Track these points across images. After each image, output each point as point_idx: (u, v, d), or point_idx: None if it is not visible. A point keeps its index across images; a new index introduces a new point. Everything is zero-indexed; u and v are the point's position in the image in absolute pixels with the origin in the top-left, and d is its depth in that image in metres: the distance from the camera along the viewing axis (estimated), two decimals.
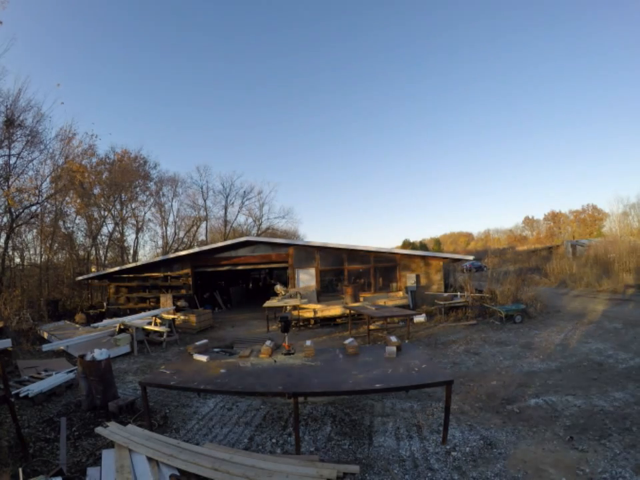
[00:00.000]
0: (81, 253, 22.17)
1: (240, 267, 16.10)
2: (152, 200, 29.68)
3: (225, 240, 23.85)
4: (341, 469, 3.20)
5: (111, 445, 3.85)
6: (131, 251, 27.45)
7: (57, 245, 19.91)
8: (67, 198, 19.55)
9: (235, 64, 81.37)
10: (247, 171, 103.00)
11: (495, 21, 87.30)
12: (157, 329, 10.15)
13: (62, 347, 9.12)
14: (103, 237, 24.59)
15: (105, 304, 16.04)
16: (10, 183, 15.45)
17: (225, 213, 36.87)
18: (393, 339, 5.47)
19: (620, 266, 18.10)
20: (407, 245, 66.42)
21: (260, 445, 4.28)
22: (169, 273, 15.53)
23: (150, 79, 69.55)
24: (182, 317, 12.34)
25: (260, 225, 37.88)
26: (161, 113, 70.41)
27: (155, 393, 5.91)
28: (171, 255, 16.28)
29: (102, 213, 24.40)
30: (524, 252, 38.68)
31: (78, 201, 20.22)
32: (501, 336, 9.32)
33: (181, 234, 32.79)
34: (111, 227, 25.27)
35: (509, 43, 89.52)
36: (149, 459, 3.40)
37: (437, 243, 73.92)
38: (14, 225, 15.78)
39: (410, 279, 14.04)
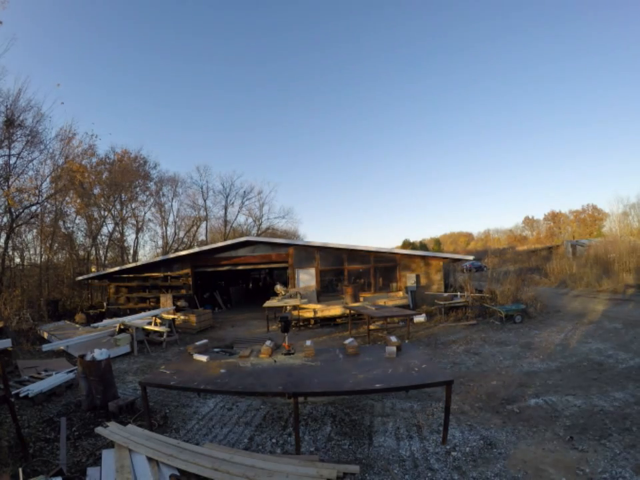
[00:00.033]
0: (81, 252, 22.17)
1: (240, 267, 16.10)
2: (152, 200, 29.73)
3: (225, 240, 23.86)
4: (341, 469, 3.20)
5: (111, 445, 3.85)
6: (131, 251, 27.46)
7: (57, 244, 19.91)
8: (67, 198, 19.55)
9: (235, 66, 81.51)
10: (247, 171, 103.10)
11: (494, 21, 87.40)
12: (156, 328, 10.15)
13: (62, 347, 9.12)
14: (103, 236, 24.61)
15: (105, 304, 16.04)
16: (10, 183, 15.45)
17: (225, 212, 36.92)
18: (393, 339, 5.47)
19: (620, 266, 18.10)
20: (406, 245, 66.41)
21: (260, 445, 4.28)
22: (169, 273, 15.53)
23: (150, 80, 69.66)
24: (182, 317, 12.34)
25: (260, 225, 37.90)
26: (161, 114, 70.53)
27: (155, 392, 5.91)
28: (171, 255, 16.28)
29: (102, 212, 24.41)
30: (524, 252, 38.66)
31: (78, 201, 20.22)
32: (500, 336, 9.32)
33: (181, 234, 32.83)
34: (111, 226, 25.30)
35: (509, 44, 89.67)
36: (149, 459, 3.40)
37: (437, 243, 73.91)
38: (14, 225, 15.77)
39: (410, 279, 14.04)
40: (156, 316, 11.00)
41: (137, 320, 10.23)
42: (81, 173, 18.27)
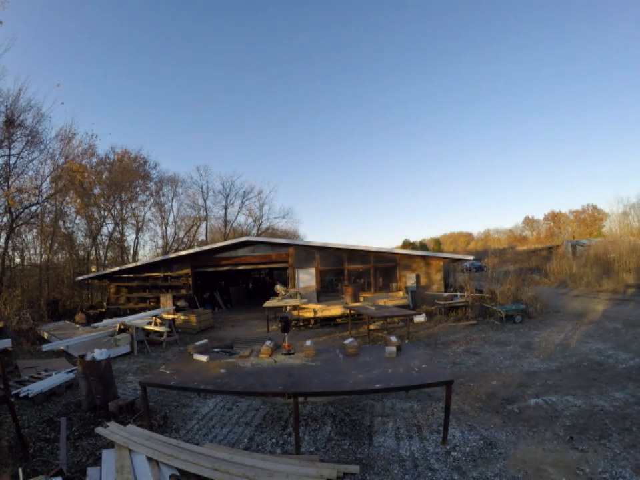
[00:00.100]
0: (81, 253, 22.17)
1: (240, 267, 16.10)
2: (152, 200, 29.72)
3: (225, 240, 23.86)
4: (341, 469, 3.20)
5: (111, 445, 3.85)
6: (131, 251, 27.46)
7: (57, 244, 19.91)
8: (67, 198, 19.56)
9: (236, 69, 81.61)
10: (247, 171, 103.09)
11: (496, 24, 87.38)
12: (157, 328, 10.15)
13: (62, 347, 9.12)
14: (103, 236, 24.61)
15: (105, 304, 16.05)
16: (10, 183, 15.45)
17: (225, 213, 36.92)
18: (393, 339, 5.47)
19: (620, 266, 18.10)
20: (407, 245, 66.43)
21: (260, 445, 4.28)
22: (169, 273, 15.53)
23: (151, 82, 69.69)
24: (182, 317, 12.34)
25: (260, 225, 37.90)
26: (161, 115, 70.51)
27: (155, 392, 5.91)
28: (171, 255, 16.28)
29: (102, 212, 24.41)
30: (524, 252, 38.67)
31: (78, 201, 20.22)
32: (500, 336, 9.31)
33: (181, 234, 32.83)
34: (111, 226, 25.30)
35: (510, 46, 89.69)
36: (149, 459, 3.40)
37: (437, 242, 73.92)
38: (14, 225, 15.77)
39: (410, 279, 14.04)
40: (156, 316, 11.00)
41: (136, 320, 10.23)
42: (80, 173, 18.27)
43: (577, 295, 15.69)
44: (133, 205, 27.39)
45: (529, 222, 70.12)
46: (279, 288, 13.94)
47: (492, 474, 3.50)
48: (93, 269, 20.89)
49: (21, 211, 15.90)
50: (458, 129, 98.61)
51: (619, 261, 18.43)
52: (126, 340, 9.40)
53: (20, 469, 3.31)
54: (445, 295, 12.80)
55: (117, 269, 16.20)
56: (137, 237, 27.97)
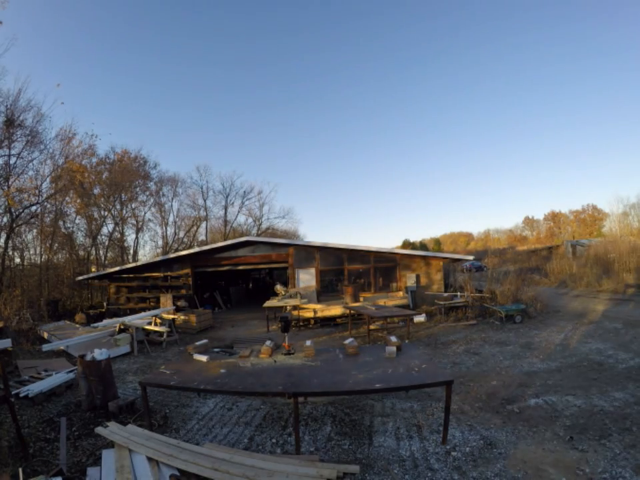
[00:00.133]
0: (81, 253, 22.17)
1: (240, 267, 16.10)
2: (152, 200, 29.72)
3: (225, 240, 23.86)
4: (341, 469, 3.20)
5: (111, 445, 3.85)
6: (131, 251, 27.46)
7: (57, 244, 19.91)
8: (67, 198, 19.56)
9: (236, 68, 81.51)
10: (247, 171, 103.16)
11: (496, 23, 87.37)
12: (157, 328, 10.15)
13: (62, 347, 9.12)
14: (103, 236, 24.61)
15: (105, 304, 16.05)
16: (10, 183, 15.45)
17: (225, 212, 36.92)
18: (393, 339, 5.47)
19: (620, 266, 18.10)
20: (407, 245, 66.43)
21: (260, 445, 4.28)
22: (169, 273, 15.53)
23: (150, 82, 69.70)
24: (182, 317, 12.34)
25: (260, 225, 37.90)
26: (161, 114, 70.59)
27: (155, 392, 5.91)
28: (171, 255, 16.28)
29: (102, 212, 24.41)
30: (524, 252, 38.67)
31: (78, 201, 20.22)
32: (500, 336, 9.31)
33: (181, 234, 32.82)
34: (111, 226, 25.30)
35: (510, 45, 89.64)
36: (149, 459, 3.40)
37: (437, 242, 73.92)
38: (14, 225, 15.78)
39: (410, 279, 14.04)
40: (156, 316, 11.00)
41: (137, 320, 10.23)
42: (81, 173, 18.28)
43: (577, 295, 15.69)
44: (133, 205, 27.42)
45: (529, 222, 70.14)
46: (278, 288, 13.94)
47: (492, 474, 3.50)
48: (93, 269, 20.90)
49: (20, 211, 15.91)
50: (458, 128, 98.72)
51: (618, 261, 18.43)
52: (126, 340, 9.40)
53: (20, 469, 3.31)
54: (445, 295, 12.80)
55: (117, 269, 16.20)
56: (137, 237, 28.01)
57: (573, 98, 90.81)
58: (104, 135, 42.79)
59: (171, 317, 11.62)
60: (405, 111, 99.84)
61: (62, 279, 18.87)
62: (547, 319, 11.07)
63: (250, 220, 38.42)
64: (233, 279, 22.78)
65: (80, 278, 17.11)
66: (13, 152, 15.65)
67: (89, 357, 5.61)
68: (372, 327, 9.91)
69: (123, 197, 25.57)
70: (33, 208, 16.79)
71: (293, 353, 5.30)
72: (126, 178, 24.75)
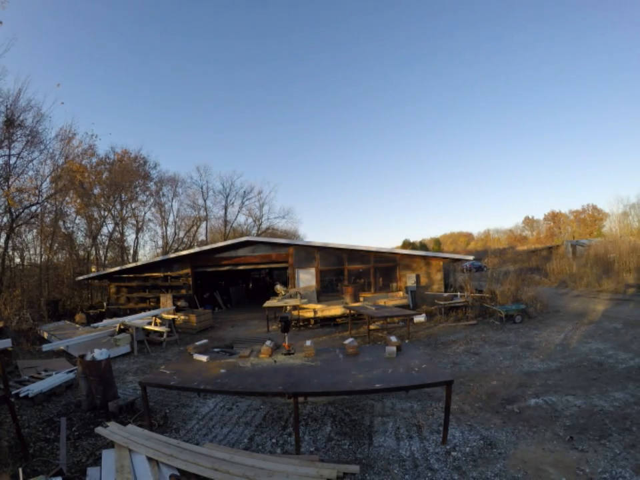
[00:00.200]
0: (81, 253, 22.17)
1: (240, 267, 16.10)
2: (152, 200, 29.72)
3: (225, 240, 23.85)
4: (341, 469, 3.20)
5: (111, 445, 3.85)
6: (131, 251, 27.46)
7: (57, 244, 19.91)
8: (67, 198, 19.55)
9: (235, 67, 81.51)
10: (247, 171, 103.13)
11: (497, 22, 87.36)
12: (157, 329, 10.15)
13: (62, 347, 9.12)
14: (103, 236, 24.61)
15: (105, 304, 16.05)
16: (10, 183, 15.45)
17: (225, 213, 36.92)
18: (393, 339, 5.47)
19: (620, 266, 18.10)
20: (407, 245, 66.40)
21: (260, 445, 4.28)
22: (169, 273, 15.53)
23: (150, 81, 69.68)
24: (182, 317, 12.34)
25: (260, 225, 37.90)
26: (161, 114, 70.51)
27: (155, 392, 5.91)
28: (171, 255, 16.28)
29: (102, 212, 24.41)
30: (524, 252, 38.65)
31: (78, 201, 20.22)
32: (500, 336, 9.31)
33: (181, 234, 32.82)
34: (111, 227, 25.30)
35: (511, 45, 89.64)
36: (149, 459, 3.40)
37: (437, 242, 73.89)
38: (14, 225, 15.77)
39: (410, 279, 14.04)
40: (156, 316, 11.00)
41: (137, 320, 10.23)
42: (80, 173, 18.27)
43: (577, 295, 15.69)
44: (133, 205, 27.42)
45: (529, 222, 70.12)
46: (279, 288, 13.94)
47: (492, 474, 3.50)
48: (93, 269, 20.90)
49: (21, 211, 15.90)
50: (458, 128, 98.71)
51: (619, 261, 18.44)
52: (126, 340, 9.40)
53: (20, 469, 3.31)
54: (445, 294, 12.80)
55: (117, 269, 16.20)
56: (137, 237, 28.00)
57: (573, 98, 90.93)
58: (104, 134, 42.82)
59: (171, 316, 11.62)
60: (405, 111, 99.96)
61: (62, 278, 18.87)
62: (547, 318, 11.07)
63: (250, 220, 38.48)
64: (233, 279, 22.78)
65: (80, 278, 17.11)
66: (12, 152, 15.66)
67: (89, 357, 5.61)
68: (372, 326, 9.91)
69: (123, 196, 25.57)
70: (33, 208, 16.80)
71: (293, 353, 5.30)
72: (126, 178, 24.75)
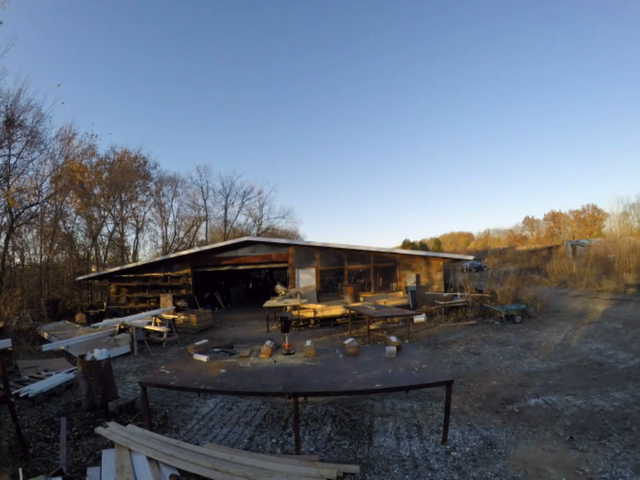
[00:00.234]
0: (81, 253, 22.17)
1: (240, 267, 16.10)
2: (152, 200, 29.72)
3: (225, 240, 23.85)
4: (341, 468, 3.20)
5: (111, 444, 3.85)
6: (131, 251, 27.46)
7: (57, 244, 19.91)
8: (67, 198, 19.56)
9: (235, 66, 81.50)
10: (247, 171, 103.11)
11: (497, 21, 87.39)
12: (157, 329, 10.15)
13: (62, 347, 9.12)
14: (103, 236, 24.61)
15: (105, 304, 16.05)
16: (10, 183, 15.45)
17: (225, 212, 36.91)
18: (393, 339, 5.47)
19: (620, 266, 18.10)
20: (407, 245, 66.39)
21: (260, 445, 4.28)
22: (169, 273, 15.53)
23: (150, 80, 69.67)
24: (182, 317, 12.34)
25: (260, 225, 37.89)
26: (161, 114, 70.53)
27: (155, 392, 5.91)
28: (171, 255, 16.28)
29: (102, 212, 24.41)
30: (524, 252, 38.65)
31: (78, 201, 20.22)
32: (501, 336, 9.31)
33: (181, 234, 32.83)
34: (111, 226, 25.31)
35: (511, 44, 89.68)
36: (149, 459, 3.40)
37: (437, 242, 73.88)
38: (14, 225, 15.77)
39: (410, 279, 14.04)
40: (156, 316, 11.00)
41: (137, 320, 10.23)
42: (80, 173, 18.28)
43: (577, 295, 15.69)
44: (133, 205, 27.42)
45: (529, 222, 70.12)
46: (279, 288, 13.94)
47: (492, 474, 3.50)
48: (93, 269, 20.90)
49: (21, 211, 15.90)
50: (458, 128, 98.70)
51: (619, 261, 18.43)
52: (126, 340, 9.40)
53: (20, 469, 3.31)
54: (445, 295, 12.80)
55: (117, 269, 16.20)
56: (137, 237, 28.01)
57: (573, 97, 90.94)
58: (104, 134, 42.86)
59: (171, 316, 11.62)
60: (405, 110, 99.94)
61: (62, 278, 18.87)
62: (546, 318, 11.07)
63: (250, 220, 38.47)
64: (233, 278, 22.78)
65: (80, 278, 17.11)
66: (13, 152, 15.66)
67: (88, 357, 5.61)
68: (372, 327, 9.91)
69: (123, 196, 25.57)
70: (33, 208, 16.80)
71: (293, 353, 5.30)
72: (126, 178, 24.75)
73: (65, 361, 8.37)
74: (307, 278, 14.45)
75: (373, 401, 5.38)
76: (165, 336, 10.12)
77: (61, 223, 20.19)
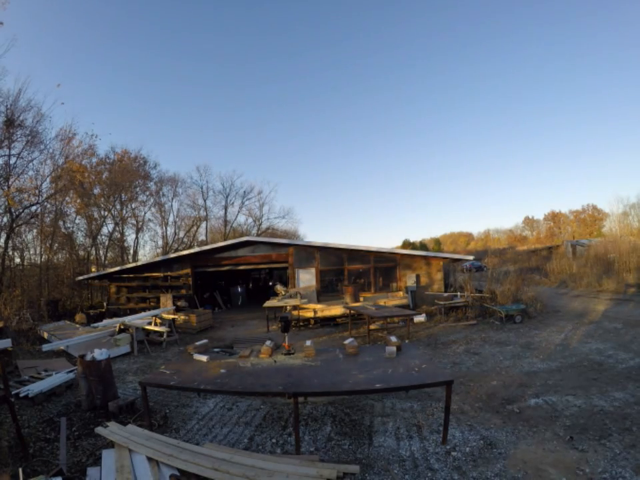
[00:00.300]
0: (81, 253, 22.17)
1: (240, 267, 16.10)
2: (152, 200, 29.71)
3: (225, 240, 23.86)
4: (341, 468, 3.20)
5: (111, 444, 3.85)
6: (131, 251, 27.46)
7: (57, 244, 19.91)
8: (67, 198, 19.56)
9: (235, 65, 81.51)
10: (247, 170, 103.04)
11: (497, 20, 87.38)
12: (157, 329, 10.15)
13: (62, 347, 9.12)
14: (103, 236, 24.61)
15: (105, 304, 16.05)
16: (10, 183, 15.45)
17: (225, 213, 36.91)
18: (393, 339, 5.47)
19: (620, 266, 18.09)
20: (407, 244, 66.40)
21: (260, 445, 4.28)
22: (169, 273, 15.53)
23: (150, 79, 69.65)
24: (182, 317, 12.35)
25: (260, 225, 37.89)
26: (161, 113, 70.54)
27: (155, 392, 5.91)
28: (171, 255, 16.28)
29: (102, 212, 24.41)
30: (524, 252, 38.65)
31: (78, 201, 20.22)
32: (501, 336, 9.31)
33: (181, 234, 32.81)
34: (111, 226, 25.30)
35: (511, 43, 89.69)
36: (149, 459, 3.40)
37: (437, 242, 73.90)
38: (14, 225, 15.77)
39: (410, 279, 14.04)
40: (156, 316, 11.00)
41: (137, 320, 10.23)
42: (81, 173, 18.28)
43: (577, 295, 15.69)
44: (133, 205, 27.41)
45: (529, 222, 70.13)
46: (279, 288, 13.94)
47: (492, 474, 3.50)
48: (93, 269, 20.89)
49: (21, 210, 15.90)
50: (458, 128, 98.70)
51: (619, 261, 18.43)
52: (126, 340, 9.40)
53: (20, 469, 3.31)
54: (445, 295, 12.80)
55: (117, 269, 16.20)
56: (137, 237, 28.00)
57: (573, 97, 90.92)
58: (104, 134, 42.87)
59: (171, 316, 11.62)
60: (405, 110, 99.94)
61: (62, 278, 18.87)
62: (547, 318, 11.07)
63: (250, 220, 38.46)
64: (233, 278, 22.78)
65: (80, 278, 17.11)
66: (13, 152, 15.66)
67: (89, 357, 5.61)
68: (372, 326, 9.91)
69: (123, 196, 25.57)
70: (33, 208, 16.80)
71: (293, 353, 5.30)
72: (126, 178, 24.75)
73: (64, 361, 8.37)
74: (307, 278, 14.45)
75: (373, 401, 5.38)
76: (164, 336, 10.12)
77: (61, 222, 20.19)
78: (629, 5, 68.28)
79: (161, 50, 70.61)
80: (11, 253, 17.18)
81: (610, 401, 5.03)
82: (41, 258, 18.73)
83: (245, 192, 37.16)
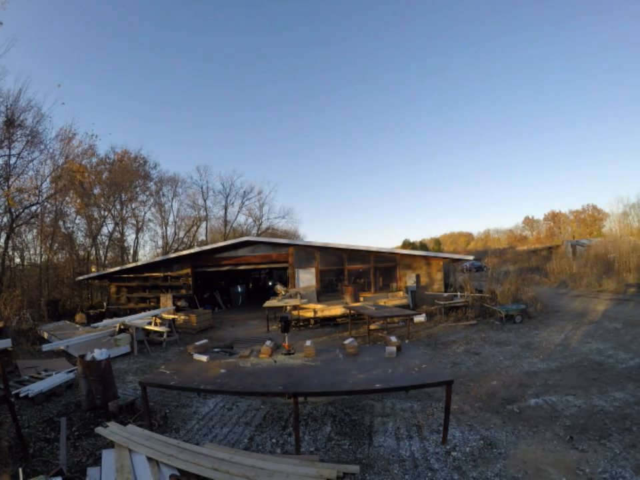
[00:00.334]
0: (81, 253, 22.17)
1: (240, 267, 16.10)
2: (152, 200, 29.70)
3: (225, 240, 23.86)
4: (341, 469, 3.20)
5: (111, 444, 3.85)
6: (131, 251, 27.45)
7: (57, 244, 19.91)
8: (67, 198, 19.56)
9: (235, 65, 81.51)
10: (247, 170, 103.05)
11: (497, 20, 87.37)
12: (157, 329, 10.15)
13: (62, 347, 9.12)
14: (103, 236, 24.61)
15: (105, 304, 16.05)
16: (10, 183, 15.45)
17: (225, 213, 36.90)
18: (393, 339, 5.47)
19: (620, 266, 18.09)
20: (407, 245, 66.38)
21: (260, 445, 4.28)
22: (169, 273, 15.53)
23: (150, 79, 69.66)
24: (182, 317, 12.35)
25: (260, 225, 37.88)
26: (161, 113, 70.54)
27: (154, 392, 5.91)
28: (171, 255, 16.28)
29: (102, 212, 24.41)
30: (524, 252, 38.63)
31: (78, 201, 20.22)
32: (501, 336, 9.31)
33: (181, 234, 32.81)
34: (111, 226, 25.30)
35: (510, 43, 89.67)
36: (149, 459, 3.40)
37: (437, 242, 73.88)
38: (14, 225, 15.77)
39: (410, 279, 14.04)
40: (156, 316, 11.00)
41: (137, 320, 10.23)
42: (81, 173, 18.29)
43: (577, 295, 15.69)
44: (133, 205, 27.41)
45: (529, 222, 70.12)
46: (279, 288, 13.95)
47: (492, 474, 3.50)
48: (93, 269, 20.89)
49: (21, 210, 15.91)
50: (458, 128, 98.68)
51: (619, 261, 18.42)
52: (126, 340, 9.40)
53: (20, 469, 3.31)
54: (445, 295, 12.79)
55: (117, 269, 16.20)
56: (137, 237, 28.00)
57: (573, 97, 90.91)
58: (104, 134, 42.87)
59: (171, 316, 11.63)
60: (405, 110, 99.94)
61: (62, 278, 18.87)
62: (547, 318, 11.07)
63: (250, 220, 38.46)
64: (233, 278, 22.78)
65: (80, 278, 17.11)
66: (13, 152, 15.66)
67: (89, 357, 5.61)
68: (372, 326, 9.91)
69: (123, 196, 25.56)
70: (33, 208, 16.81)
71: (293, 353, 5.30)
72: (126, 178, 24.75)
73: (64, 361, 8.37)
74: (307, 278, 14.44)
75: (373, 401, 5.38)
76: (165, 336, 10.12)
77: (60, 222, 20.19)
78: (628, 5, 68.33)
79: (161, 50, 70.68)
80: (11, 253, 17.19)
81: (610, 401, 5.03)
82: (41, 258, 18.74)
83: (244, 192, 37.21)
